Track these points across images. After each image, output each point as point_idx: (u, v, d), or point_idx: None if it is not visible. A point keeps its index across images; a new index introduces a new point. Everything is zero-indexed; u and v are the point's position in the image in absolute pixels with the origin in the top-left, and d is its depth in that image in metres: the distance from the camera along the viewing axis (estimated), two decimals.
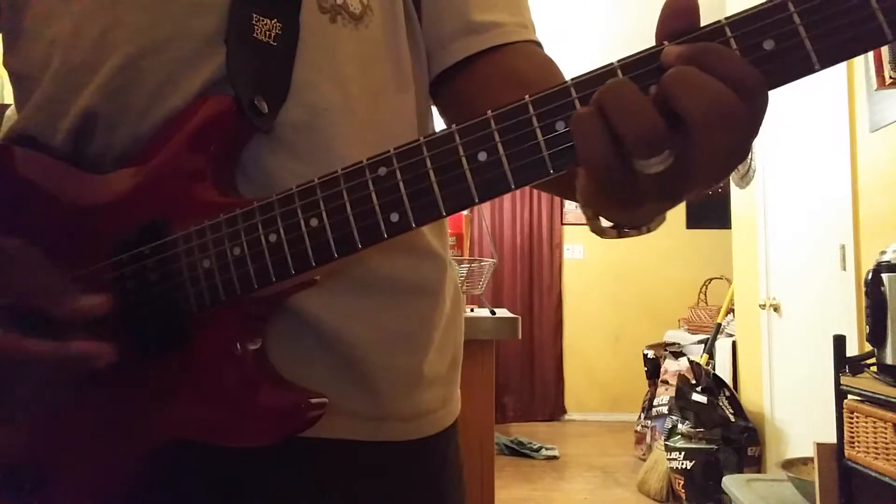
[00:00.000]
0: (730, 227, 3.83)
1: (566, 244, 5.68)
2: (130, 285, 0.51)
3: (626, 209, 0.41)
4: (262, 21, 0.53)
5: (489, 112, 0.42)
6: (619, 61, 0.39)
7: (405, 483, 0.61)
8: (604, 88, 0.38)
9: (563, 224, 5.69)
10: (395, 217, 0.44)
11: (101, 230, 0.53)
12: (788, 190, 3.09)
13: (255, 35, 0.53)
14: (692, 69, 0.36)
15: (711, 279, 5.04)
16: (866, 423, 1.66)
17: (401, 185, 0.44)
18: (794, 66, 0.36)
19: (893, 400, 1.58)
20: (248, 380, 0.50)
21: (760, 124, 0.37)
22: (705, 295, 5.07)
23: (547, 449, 4.38)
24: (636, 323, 5.44)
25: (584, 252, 5.66)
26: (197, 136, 0.52)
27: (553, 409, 5.49)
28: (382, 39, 0.61)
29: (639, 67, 0.39)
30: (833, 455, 1.78)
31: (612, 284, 5.58)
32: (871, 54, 2.23)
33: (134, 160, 0.54)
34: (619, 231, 0.45)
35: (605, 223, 0.46)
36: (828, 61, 0.36)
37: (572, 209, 5.68)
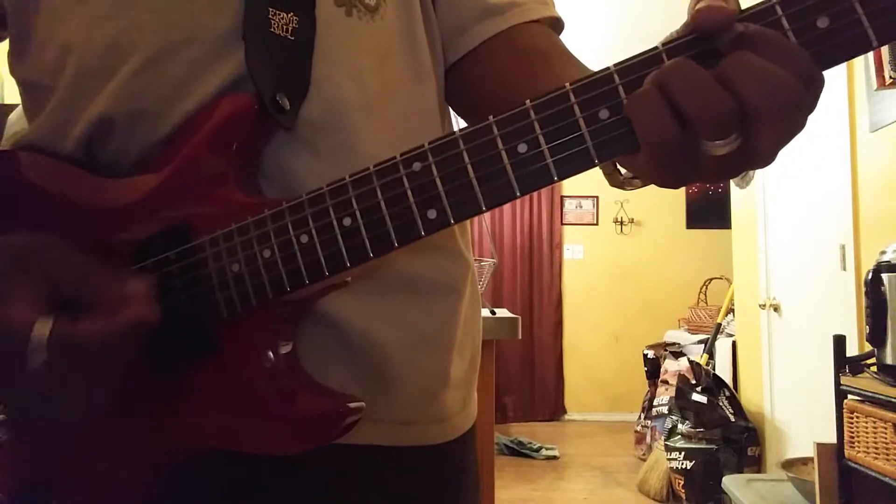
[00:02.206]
0: (730, 227, 3.83)
1: (566, 244, 5.68)
2: (157, 293, 0.49)
3: (681, 184, 0.41)
4: (279, 14, 0.52)
5: (528, 102, 0.40)
6: (663, 45, 0.38)
7: (425, 488, 0.60)
8: (668, 67, 0.36)
9: (563, 224, 5.68)
10: (432, 214, 0.43)
11: (121, 237, 0.51)
12: (788, 190, 3.09)
13: (272, 29, 0.52)
14: (752, 55, 0.35)
15: (711, 279, 5.04)
16: (866, 423, 1.66)
17: (437, 181, 0.42)
18: (851, 44, 0.35)
19: (893, 400, 1.58)
20: (282, 385, 0.48)
21: (817, 103, 0.37)
22: (705, 295, 5.07)
23: (547, 449, 4.37)
24: (636, 323, 5.44)
25: (584, 252, 5.66)
26: (219, 135, 0.50)
27: (553, 409, 5.49)
28: (398, 30, 0.59)
29: (685, 52, 0.37)
30: (833, 455, 1.78)
31: (612, 284, 5.58)
32: (871, 54, 2.23)
33: (153, 164, 0.52)
34: (644, 181, 0.44)
35: (625, 172, 0.45)
36: (886, 38, 0.34)
37: (572, 209, 5.68)
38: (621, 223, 5.60)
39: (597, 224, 5.66)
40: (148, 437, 0.51)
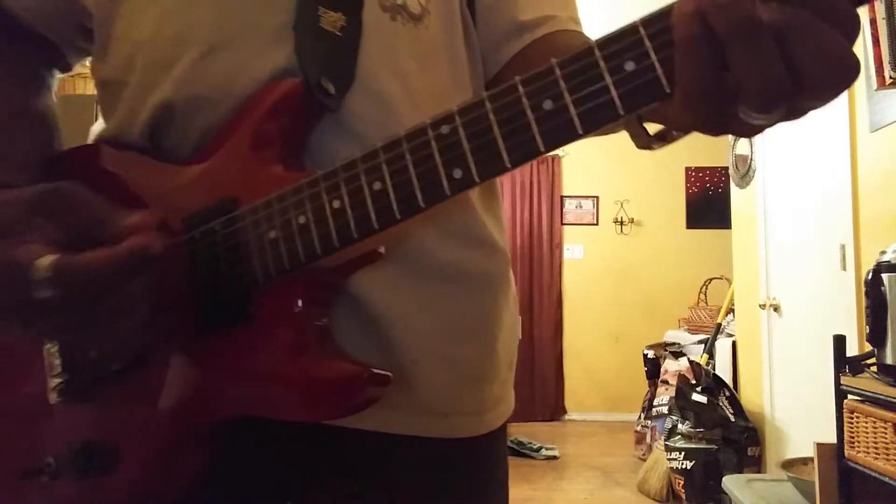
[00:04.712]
0: (730, 227, 3.83)
1: (566, 244, 5.68)
2: (201, 261, 0.53)
3: (713, 133, 0.40)
4: (328, 13, 0.56)
5: (553, 60, 0.41)
6: None
7: (456, 480, 0.61)
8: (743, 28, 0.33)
9: (563, 224, 5.68)
10: (458, 173, 0.44)
11: (179, 211, 0.55)
12: (788, 190, 3.09)
13: (321, 25, 0.56)
14: (812, 19, 0.33)
15: (711, 279, 5.04)
16: (866, 423, 1.66)
17: (463, 140, 0.43)
18: None
19: (893, 400, 1.58)
20: (310, 351, 0.51)
21: None
22: (705, 295, 5.07)
23: (547, 449, 4.38)
24: (636, 323, 5.44)
25: (584, 252, 5.66)
26: (268, 116, 0.54)
27: (553, 409, 5.48)
28: (440, 40, 0.63)
29: None
30: (833, 455, 1.78)
31: (612, 284, 5.58)
32: (871, 54, 2.23)
33: (208, 146, 0.56)
34: (669, 139, 0.44)
35: (653, 132, 0.45)
36: None
37: (572, 209, 5.68)
38: (621, 223, 5.60)
39: (597, 224, 5.65)
40: (187, 403, 0.53)
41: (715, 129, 0.39)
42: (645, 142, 0.45)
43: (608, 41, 0.39)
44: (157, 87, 0.58)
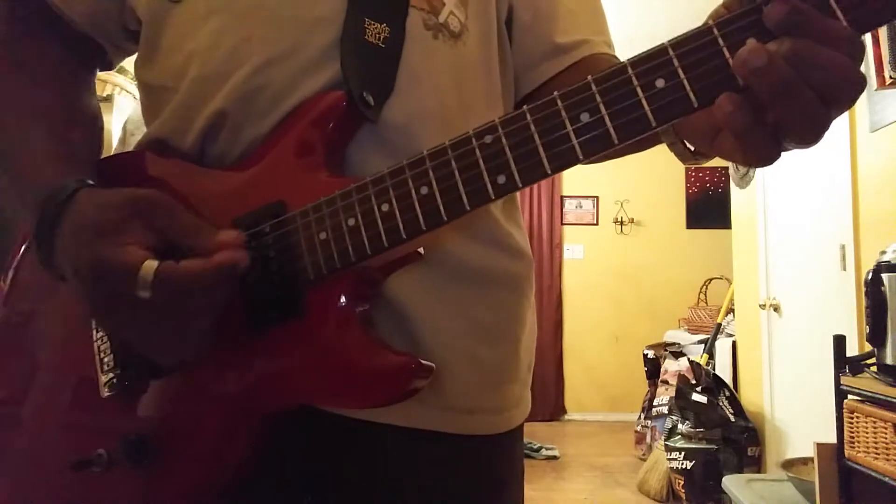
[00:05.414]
0: (730, 227, 3.83)
1: (566, 244, 5.68)
2: (251, 262, 0.54)
3: (749, 161, 0.44)
4: (373, 25, 0.60)
5: (589, 77, 0.44)
6: (713, 20, 0.41)
7: (481, 475, 0.63)
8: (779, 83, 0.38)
9: (563, 224, 5.68)
10: (501, 179, 0.47)
11: (225, 215, 0.57)
12: (788, 190, 3.09)
13: (366, 38, 0.59)
14: (815, 46, 0.38)
15: (711, 279, 5.04)
16: (866, 423, 1.66)
17: (506, 149, 0.47)
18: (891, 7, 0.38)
19: (893, 400, 1.58)
20: (362, 343, 0.53)
21: None
22: (705, 295, 5.07)
23: (547, 449, 4.37)
24: (636, 323, 5.44)
25: (584, 252, 5.66)
26: (312, 126, 0.57)
27: (553, 409, 5.48)
28: (476, 57, 0.66)
29: (736, 23, 0.40)
30: (833, 455, 1.78)
31: (612, 284, 5.57)
32: (871, 54, 2.23)
33: (255, 153, 0.59)
34: (711, 155, 0.48)
35: (694, 149, 0.49)
36: None
37: (572, 209, 5.68)
38: (621, 223, 5.60)
39: (597, 224, 5.65)
40: (239, 397, 0.56)
41: (767, 161, 0.44)
42: (690, 159, 0.49)
43: (640, 60, 0.43)
44: (212, 98, 0.60)
